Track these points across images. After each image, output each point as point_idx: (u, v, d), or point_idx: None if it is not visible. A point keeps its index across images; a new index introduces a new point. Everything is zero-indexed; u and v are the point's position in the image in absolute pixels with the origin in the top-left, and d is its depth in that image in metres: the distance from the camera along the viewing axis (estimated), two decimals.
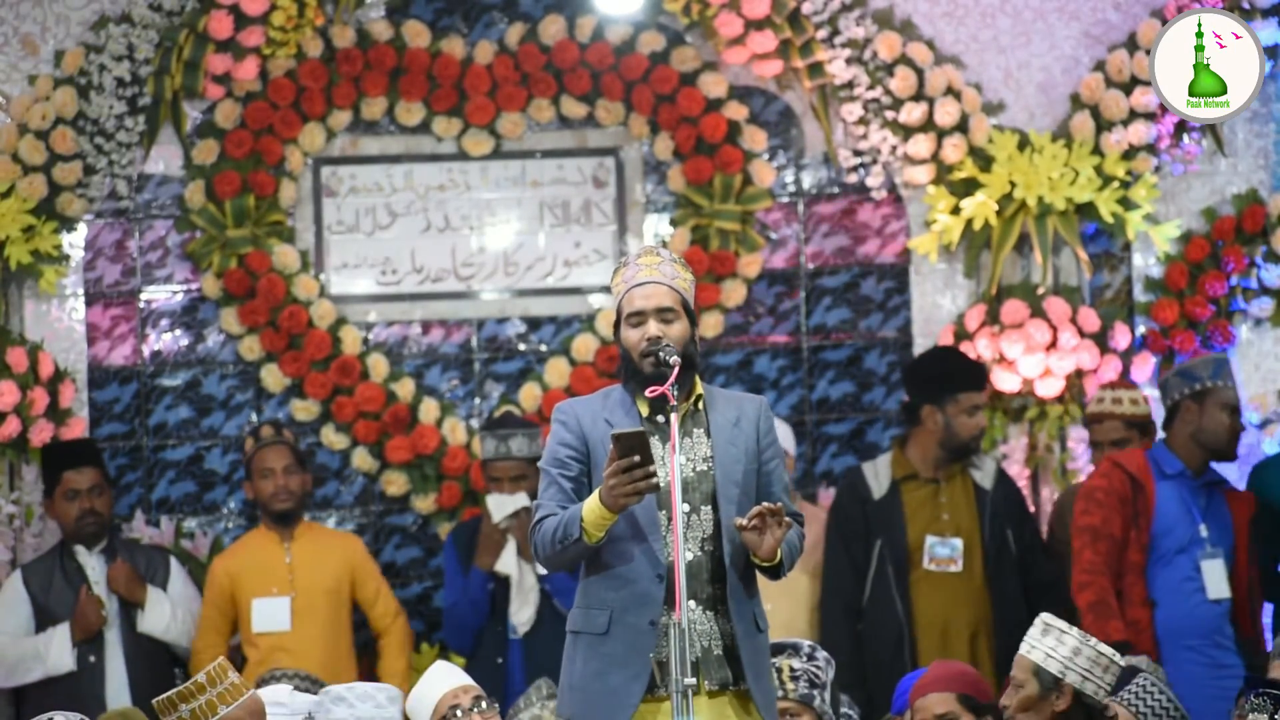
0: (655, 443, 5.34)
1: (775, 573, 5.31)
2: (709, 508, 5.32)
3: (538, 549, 5.36)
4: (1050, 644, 5.59)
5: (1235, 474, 8.08)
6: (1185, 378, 7.55)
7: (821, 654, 6.16)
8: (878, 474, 7.93)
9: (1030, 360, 8.34)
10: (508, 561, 7.85)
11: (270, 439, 7.99)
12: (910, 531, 7.84)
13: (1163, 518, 7.49)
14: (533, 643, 7.82)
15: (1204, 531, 7.48)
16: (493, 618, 7.92)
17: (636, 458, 5.10)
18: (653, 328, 5.32)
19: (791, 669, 6.06)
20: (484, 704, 6.10)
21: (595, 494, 5.19)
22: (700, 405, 5.41)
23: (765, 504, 5.20)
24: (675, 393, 5.23)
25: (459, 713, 6.05)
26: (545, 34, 8.58)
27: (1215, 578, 7.45)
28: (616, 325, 5.41)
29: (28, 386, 8.21)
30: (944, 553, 7.82)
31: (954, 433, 7.83)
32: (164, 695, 5.54)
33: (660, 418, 5.37)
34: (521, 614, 7.84)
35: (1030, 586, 7.86)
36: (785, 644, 6.17)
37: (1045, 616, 5.68)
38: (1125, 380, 8.14)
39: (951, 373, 7.92)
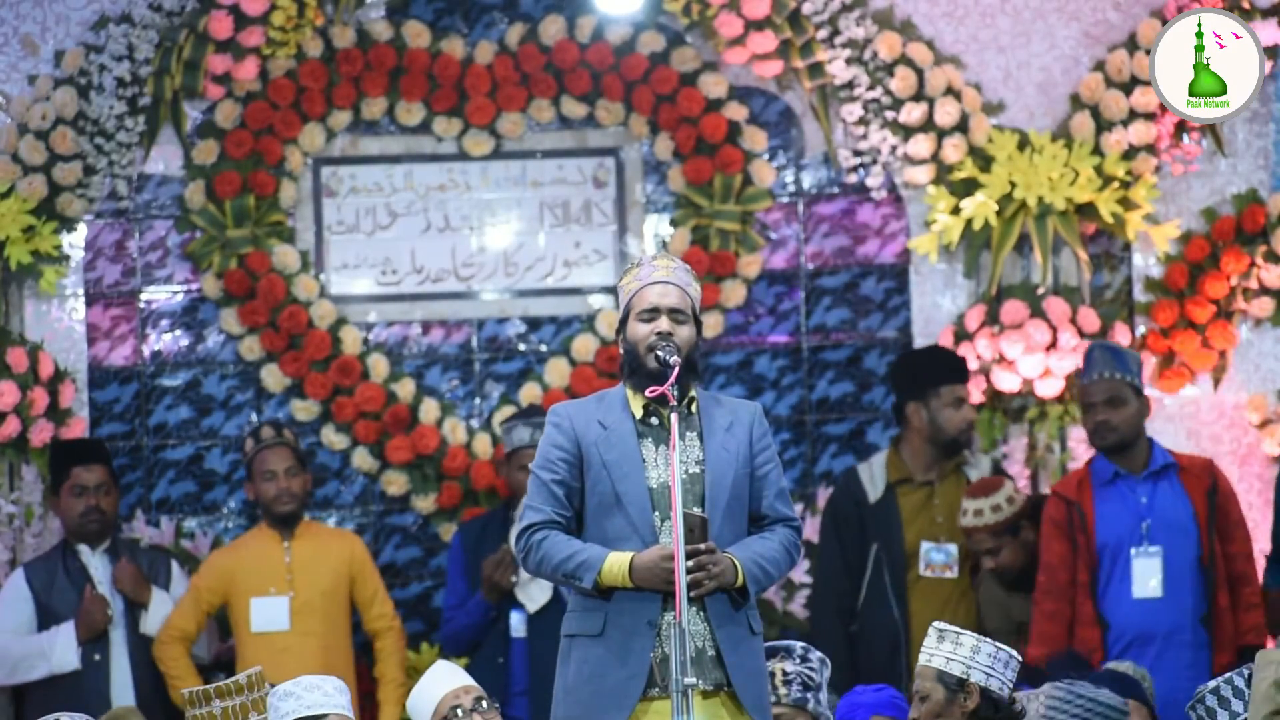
0: (648, 444, 5.37)
1: (743, 594, 5.34)
2: (699, 511, 5.34)
3: (529, 563, 5.39)
4: (948, 648, 5.63)
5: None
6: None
7: (815, 655, 6.15)
8: (873, 476, 7.94)
9: (1030, 360, 8.34)
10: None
11: (271, 440, 7.98)
12: (907, 535, 7.86)
13: (1104, 528, 7.49)
14: (534, 642, 7.83)
15: (1145, 528, 7.47)
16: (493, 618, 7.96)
17: (702, 546, 5.19)
18: (664, 323, 5.38)
19: (784, 672, 6.05)
20: (485, 704, 6.10)
21: (623, 560, 5.25)
22: (693, 409, 5.43)
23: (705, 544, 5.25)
24: (675, 393, 5.26)
25: (459, 713, 6.04)
26: (545, 34, 8.58)
27: (1145, 575, 7.42)
28: (622, 322, 5.44)
29: (28, 386, 8.21)
30: (940, 559, 7.82)
31: (940, 427, 7.86)
32: (198, 688, 5.53)
33: (654, 419, 5.40)
34: (530, 589, 7.83)
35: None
36: (777, 647, 6.15)
37: (938, 623, 5.72)
38: (989, 479, 7.81)
39: (932, 367, 7.96)
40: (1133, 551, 7.44)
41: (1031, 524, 7.65)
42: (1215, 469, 7.59)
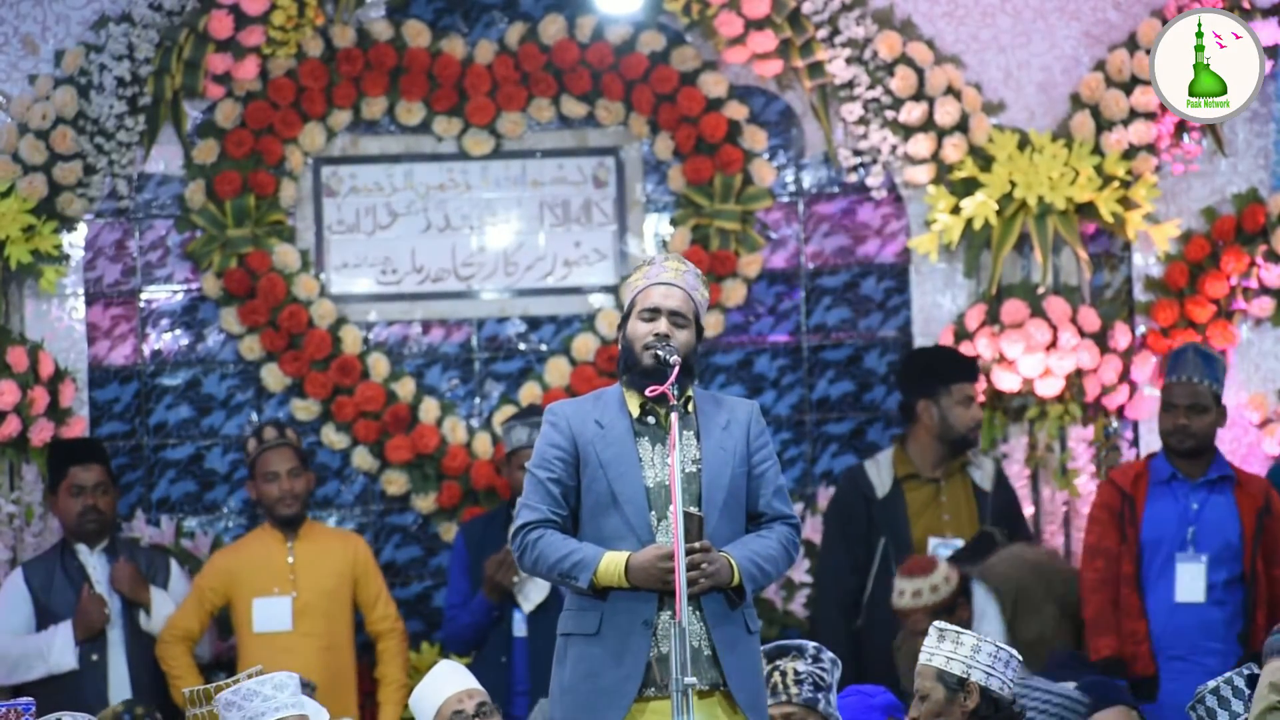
0: (645, 443, 5.37)
1: (739, 593, 5.33)
2: (696, 509, 5.33)
3: (525, 562, 5.38)
4: (949, 648, 5.63)
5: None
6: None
7: (827, 655, 6.14)
8: (880, 472, 7.96)
9: (1030, 360, 8.34)
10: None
11: (274, 441, 7.97)
12: (914, 531, 7.88)
13: (1150, 526, 7.52)
14: (535, 642, 7.83)
15: (1190, 534, 7.49)
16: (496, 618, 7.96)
17: (697, 545, 5.20)
18: (663, 325, 5.38)
19: (795, 672, 6.04)
20: (487, 708, 6.09)
21: (619, 559, 5.25)
22: (690, 408, 5.43)
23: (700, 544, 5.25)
24: (674, 392, 5.26)
25: (461, 718, 6.04)
26: (545, 34, 8.58)
27: (1188, 581, 7.44)
28: (624, 319, 5.44)
29: (28, 386, 8.21)
30: (946, 554, 7.83)
31: (950, 425, 7.89)
32: (199, 686, 5.51)
33: (650, 419, 5.40)
34: (526, 588, 7.84)
35: None
36: (789, 646, 6.14)
37: (938, 623, 5.71)
38: (921, 560, 7.66)
39: (942, 366, 8.00)
40: (1177, 556, 7.46)
41: (965, 601, 7.59)
42: (1271, 490, 7.61)
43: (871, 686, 6.52)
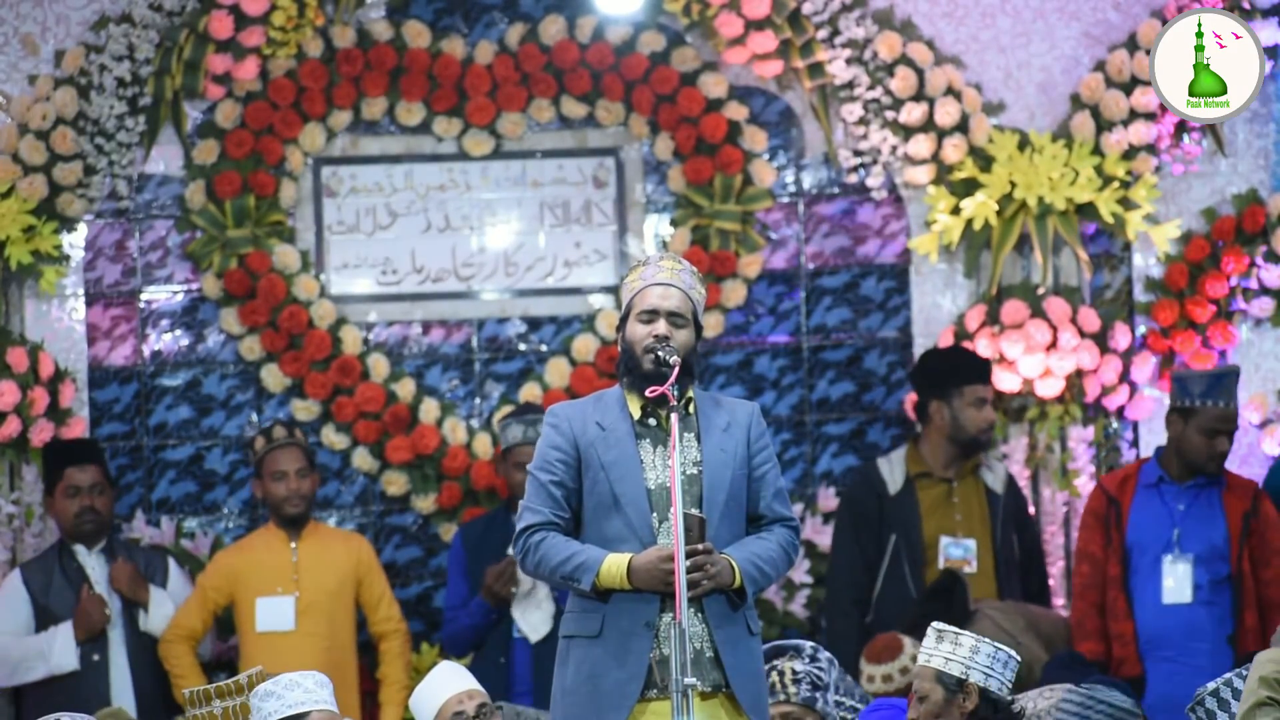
0: (646, 445, 5.37)
1: (741, 595, 5.33)
2: (697, 511, 5.33)
3: (527, 564, 5.38)
4: (947, 649, 5.63)
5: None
6: (1181, 388, 7.63)
7: (824, 655, 6.14)
8: (892, 470, 7.98)
9: (1030, 360, 8.34)
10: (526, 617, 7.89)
11: (283, 440, 7.97)
12: (925, 529, 7.88)
13: (1135, 529, 7.56)
14: (536, 644, 7.82)
15: (1176, 535, 7.51)
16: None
17: (699, 546, 5.19)
18: (662, 327, 5.37)
19: (794, 671, 6.05)
20: (488, 710, 6.09)
21: (621, 561, 5.25)
22: (691, 409, 5.43)
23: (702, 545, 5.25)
24: (675, 393, 5.25)
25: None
26: (545, 34, 8.58)
27: (1175, 582, 7.46)
28: (623, 320, 5.43)
29: (28, 386, 8.21)
30: (958, 553, 7.85)
31: (961, 426, 7.89)
32: (199, 688, 5.53)
33: (651, 420, 5.39)
34: (532, 618, 7.83)
35: (1025, 592, 7.92)
36: (786, 646, 6.14)
37: (936, 624, 5.70)
38: (887, 641, 7.25)
39: (956, 367, 8.00)
40: (1164, 558, 7.49)
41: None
42: (1260, 493, 7.63)
43: (905, 701, 6.47)
